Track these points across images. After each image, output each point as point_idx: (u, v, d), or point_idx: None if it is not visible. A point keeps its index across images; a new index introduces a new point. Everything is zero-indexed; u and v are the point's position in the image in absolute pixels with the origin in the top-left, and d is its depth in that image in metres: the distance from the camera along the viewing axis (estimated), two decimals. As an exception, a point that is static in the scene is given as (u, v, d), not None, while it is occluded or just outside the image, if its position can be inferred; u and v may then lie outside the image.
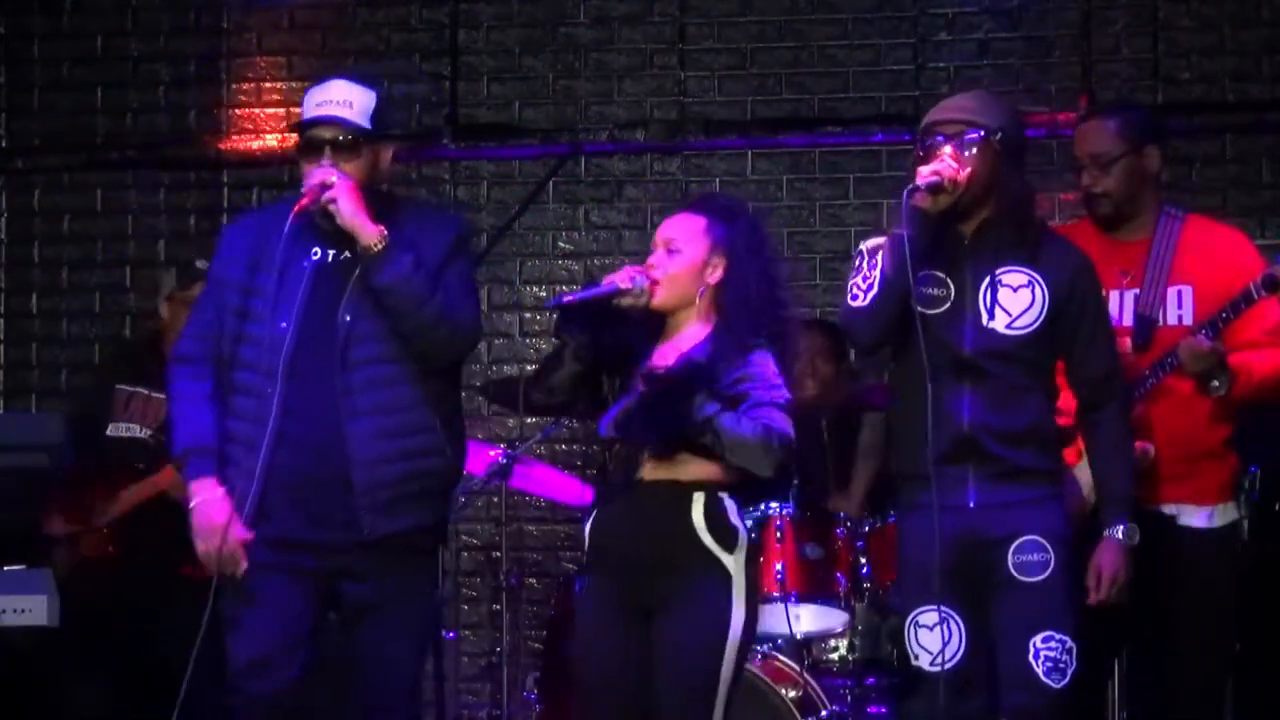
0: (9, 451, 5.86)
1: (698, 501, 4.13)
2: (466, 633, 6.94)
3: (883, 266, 4.12)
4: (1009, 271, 4.15)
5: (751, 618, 4.16)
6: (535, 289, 7.05)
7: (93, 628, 5.50)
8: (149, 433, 5.68)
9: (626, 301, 4.21)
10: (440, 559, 4.61)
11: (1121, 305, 4.57)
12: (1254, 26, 6.78)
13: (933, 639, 4.12)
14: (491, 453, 5.89)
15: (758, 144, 7.03)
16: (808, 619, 5.64)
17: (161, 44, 7.32)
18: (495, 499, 6.43)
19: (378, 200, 4.33)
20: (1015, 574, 4.07)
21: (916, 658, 4.16)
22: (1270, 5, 6.77)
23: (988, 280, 4.15)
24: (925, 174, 4.08)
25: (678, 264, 4.23)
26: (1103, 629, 4.32)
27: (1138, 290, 4.54)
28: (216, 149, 7.24)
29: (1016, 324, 4.13)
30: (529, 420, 6.53)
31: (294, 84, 7.08)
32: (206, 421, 4.36)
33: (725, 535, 4.14)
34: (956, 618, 4.10)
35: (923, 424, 4.09)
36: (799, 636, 5.60)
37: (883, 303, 4.13)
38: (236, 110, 7.20)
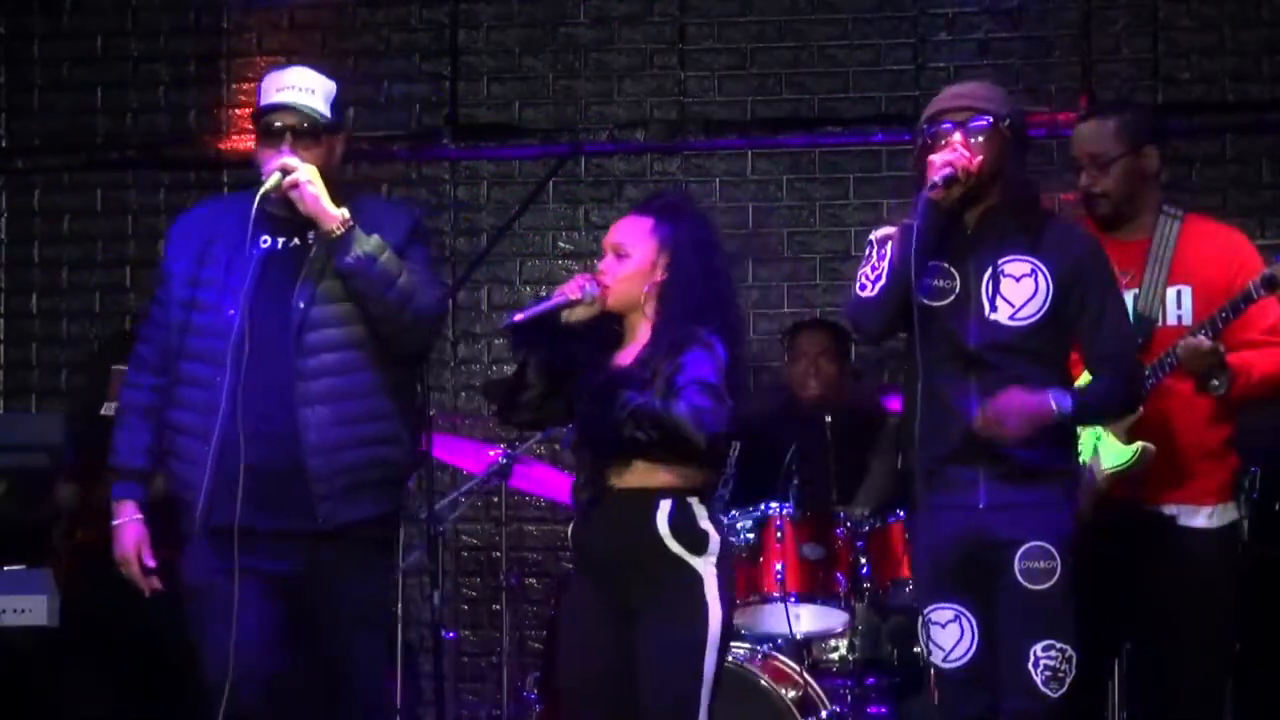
0: (9, 451, 5.87)
1: (662, 509, 4.13)
2: (466, 633, 6.94)
3: (891, 258, 4.11)
4: (1011, 261, 4.13)
5: (728, 618, 4.18)
6: (535, 289, 7.04)
7: (91, 620, 5.49)
8: None
9: (579, 311, 4.22)
10: (397, 550, 4.57)
11: (1121, 305, 4.56)
12: (1254, 26, 6.78)
13: (946, 636, 4.12)
14: (491, 453, 5.88)
15: (758, 144, 7.03)
16: (808, 619, 5.64)
17: (161, 44, 7.32)
18: (495, 499, 6.43)
19: (333, 190, 4.32)
20: (1021, 580, 4.06)
21: (930, 654, 4.16)
22: (1270, 5, 6.78)
23: (990, 271, 4.13)
24: (939, 165, 4.06)
25: (627, 268, 4.25)
26: (1103, 629, 4.32)
27: (1137, 290, 4.54)
28: (216, 149, 7.24)
29: (1019, 315, 4.10)
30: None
31: (294, 84, 7.08)
32: (142, 441, 4.39)
33: (694, 540, 4.14)
34: (969, 616, 4.10)
35: (929, 421, 4.09)
36: (799, 636, 5.59)
37: (890, 293, 4.12)
38: (236, 110, 7.20)
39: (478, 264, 6.87)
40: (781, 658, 5.48)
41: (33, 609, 5.39)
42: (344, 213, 4.26)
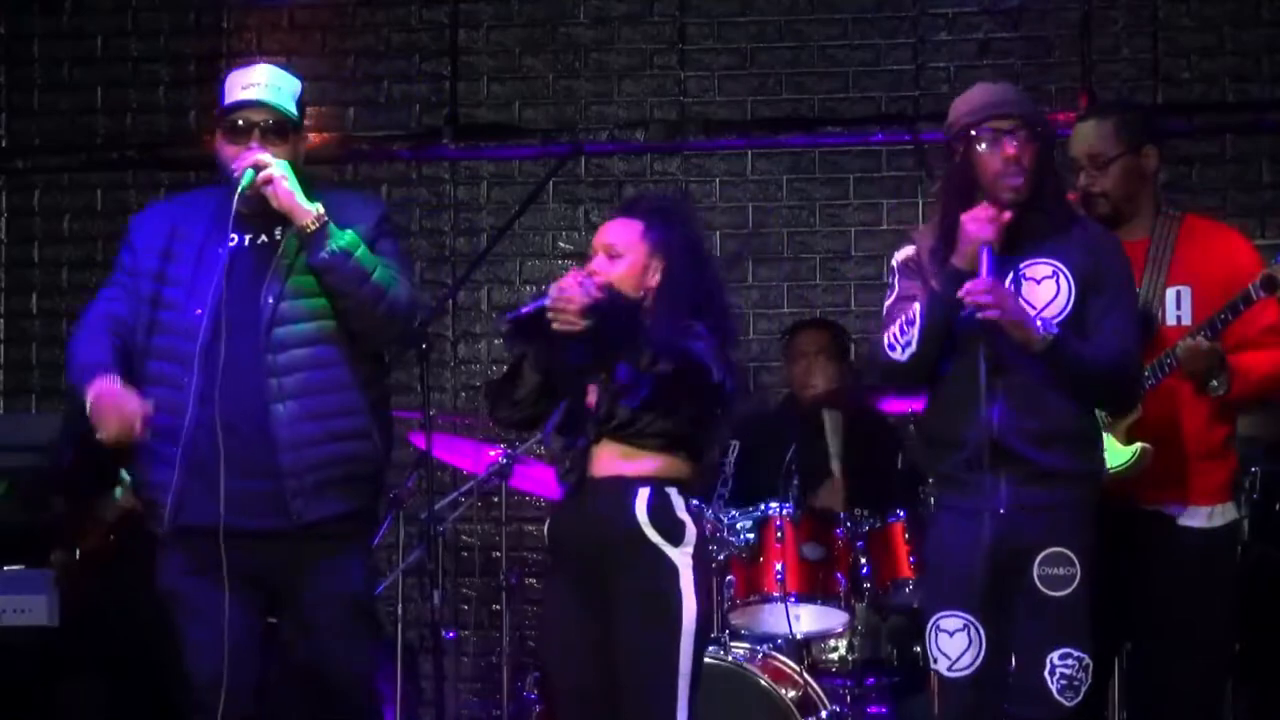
0: (9, 451, 5.87)
1: (642, 496, 4.17)
2: (466, 633, 6.95)
3: (921, 326, 4.08)
4: (1033, 263, 4.11)
5: (705, 610, 4.20)
6: (535, 289, 7.04)
7: (98, 629, 5.50)
8: None
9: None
10: (368, 548, 4.55)
11: (1120, 305, 4.55)
12: (1254, 26, 6.78)
13: (953, 645, 4.10)
14: (491, 453, 5.88)
15: (758, 144, 7.03)
16: (808, 619, 5.64)
17: (161, 44, 7.32)
18: (495, 499, 6.43)
19: (300, 182, 4.29)
20: (1040, 586, 4.04)
21: (935, 661, 4.14)
22: (1270, 5, 6.78)
23: (1010, 275, 4.10)
24: (978, 231, 4.00)
25: (620, 269, 4.27)
26: (1103, 629, 4.31)
27: (1136, 290, 4.53)
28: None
29: (1042, 316, 4.07)
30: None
31: (294, 84, 7.09)
32: (102, 350, 4.27)
33: (671, 529, 4.17)
34: (979, 627, 4.08)
35: (953, 425, 4.07)
36: (799, 636, 5.60)
37: (920, 360, 4.11)
38: (236, 110, 7.20)
39: (478, 264, 6.87)
40: (781, 658, 5.48)
41: (33, 609, 5.41)
42: (318, 208, 4.25)
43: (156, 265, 4.34)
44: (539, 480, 6.18)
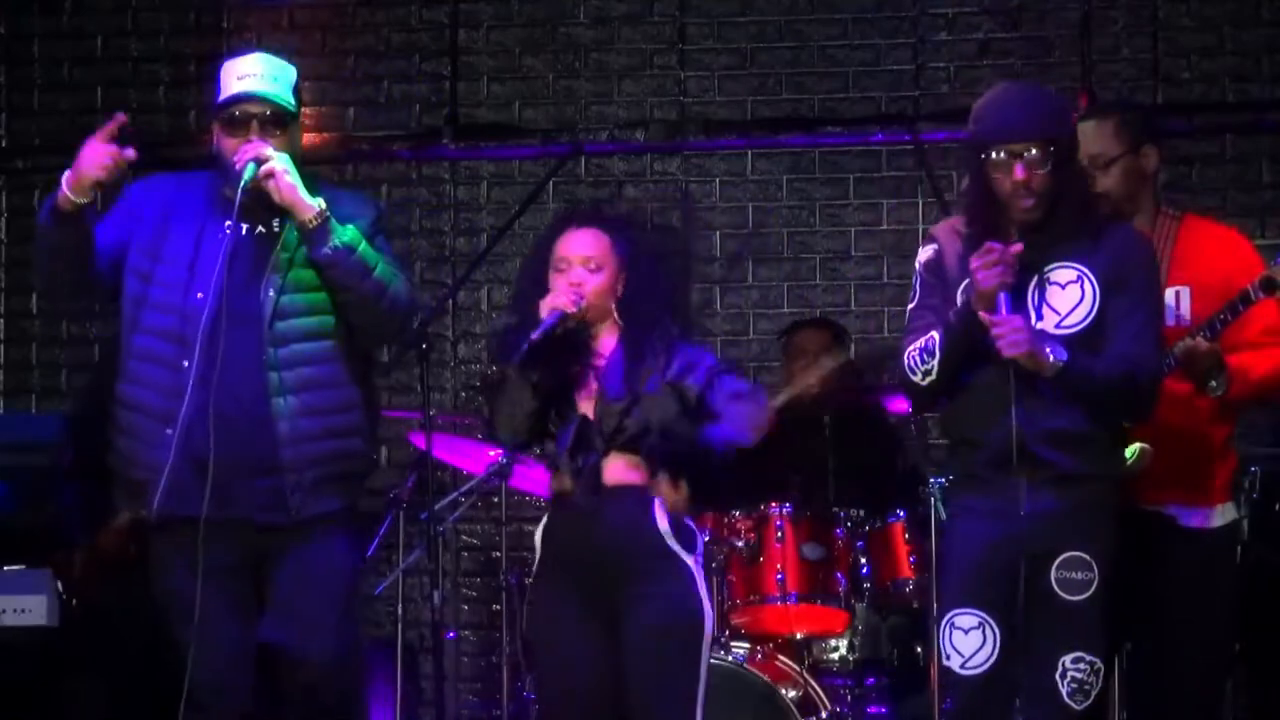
0: (9, 451, 5.86)
1: (659, 506, 4.22)
2: (466, 633, 6.94)
3: (941, 358, 4.07)
4: (1058, 268, 4.09)
5: (714, 615, 4.29)
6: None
7: (98, 629, 5.49)
8: None
9: (570, 324, 4.26)
10: (355, 540, 4.54)
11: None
12: (1254, 26, 6.78)
13: (967, 643, 4.09)
14: (491, 453, 5.88)
15: (758, 144, 7.03)
16: (808, 619, 5.64)
17: (161, 44, 7.32)
18: (495, 499, 6.42)
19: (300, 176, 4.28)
20: (1057, 589, 4.03)
21: (947, 659, 4.12)
22: (1270, 5, 6.77)
23: (1035, 279, 4.08)
24: (989, 282, 3.97)
25: (600, 281, 4.30)
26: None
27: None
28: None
29: (1065, 323, 4.06)
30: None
31: (294, 84, 7.09)
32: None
33: (686, 536, 4.26)
34: (994, 625, 4.07)
35: (976, 426, 4.07)
36: (799, 636, 5.60)
37: (942, 385, 4.11)
38: (236, 110, 7.19)
39: (478, 264, 6.88)
40: (781, 658, 5.48)
41: (33, 609, 5.40)
42: (320, 202, 4.23)
43: (150, 239, 4.31)
44: (539, 480, 6.17)
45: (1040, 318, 4.07)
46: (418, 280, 6.78)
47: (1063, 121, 4.12)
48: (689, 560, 4.24)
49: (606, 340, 4.34)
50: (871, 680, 5.70)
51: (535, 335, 4.20)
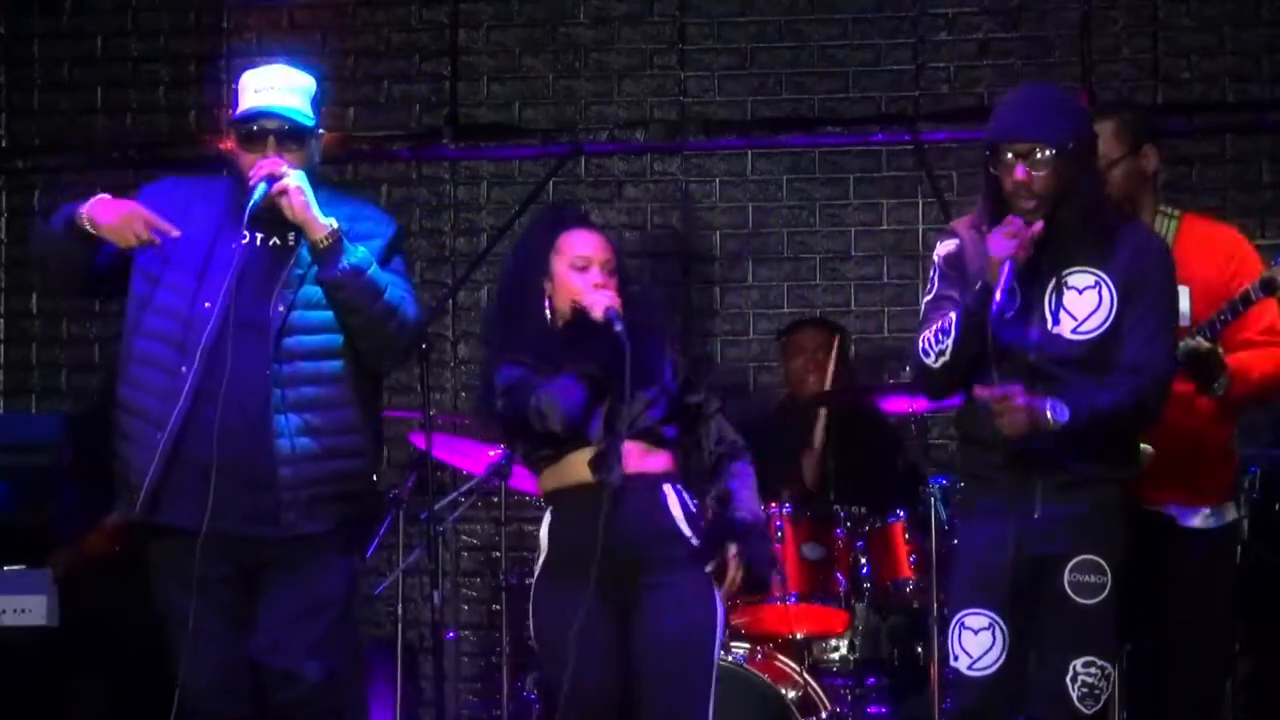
0: (9, 451, 5.86)
1: (672, 494, 4.26)
2: (466, 633, 6.94)
3: (955, 340, 4.05)
4: (1076, 273, 4.07)
5: (725, 609, 4.34)
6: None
7: (98, 629, 5.49)
8: None
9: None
10: (352, 556, 4.50)
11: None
12: (1254, 26, 6.78)
13: (976, 644, 4.07)
14: (491, 453, 5.88)
15: (758, 144, 7.03)
16: (808, 619, 5.64)
17: (161, 44, 7.32)
18: (495, 499, 6.42)
19: (315, 192, 4.24)
20: (1069, 592, 4.02)
21: (955, 659, 4.10)
22: (1270, 5, 6.77)
23: (1053, 283, 4.07)
24: (998, 253, 3.96)
25: (617, 281, 4.34)
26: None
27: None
28: (216, 149, 7.22)
29: (1082, 328, 4.05)
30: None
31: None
32: None
33: (696, 525, 4.29)
34: (1003, 626, 4.05)
35: (987, 428, 4.04)
36: (799, 636, 5.60)
37: (953, 370, 4.10)
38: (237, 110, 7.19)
39: (478, 264, 6.88)
40: (781, 658, 5.48)
41: (33, 609, 5.40)
42: (332, 222, 4.19)
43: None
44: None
45: (1057, 322, 4.06)
46: (417, 280, 6.78)
47: (1073, 126, 4.08)
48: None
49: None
50: (871, 680, 5.70)
51: (619, 331, 4.19)
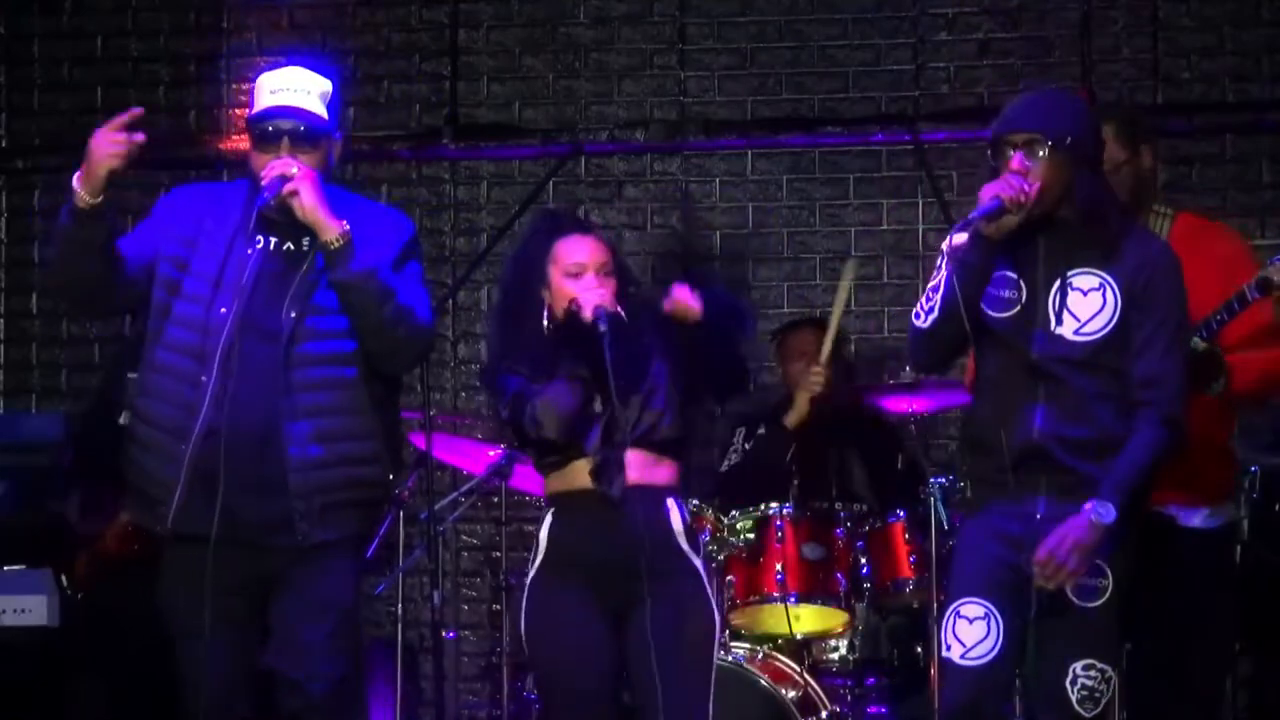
0: (9, 451, 5.87)
1: (673, 508, 4.29)
2: (466, 633, 6.94)
3: (944, 290, 4.06)
4: (1080, 274, 4.06)
5: (721, 617, 4.39)
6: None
7: (98, 630, 5.49)
8: None
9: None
10: (361, 562, 4.47)
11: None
12: (1254, 26, 6.78)
13: (971, 632, 4.06)
14: (491, 453, 5.88)
15: (758, 144, 7.03)
16: (808, 619, 5.64)
17: (161, 44, 7.32)
18: (495, 499, 6.43)
19: (329, 194, 4.22)
20: (1071, 595, 4.00)
21: (947, 649, 4.09)
22: (1270, 5, 6.77)
23: (1057, 284, 4.06)
24: (986, 198, 3.98)
25: (614, 284, 4.33)
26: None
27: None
28: (216, 149, 7.23)
29: (1085, 329, 4.04)
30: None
31: (294, 84, 7.08)
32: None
33: (694, 539, 4.33)
34: (1000, 618, 4.04)
35: (993, 428, 4.05)
36: (799, 636, 5.60)
37: (941, 325, 4.09)
38: (236, 110, 7.19)
39: (478, 264, 6.88)
40: (781, 658, 5.48)
41: (33, 609, 5.40)
42: (344, 224, 4.17)
43: (181, 253, 4.24)
44: (539, 480, 6.18)
45: (1060, 323, 4.06)
46: (418, 280, 6.78)
47: (1074, 125, 4.08)
48: (698, 562, 4.30)
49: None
50: (871, 680, 5.70)
51: (602, 331, 4.18)
